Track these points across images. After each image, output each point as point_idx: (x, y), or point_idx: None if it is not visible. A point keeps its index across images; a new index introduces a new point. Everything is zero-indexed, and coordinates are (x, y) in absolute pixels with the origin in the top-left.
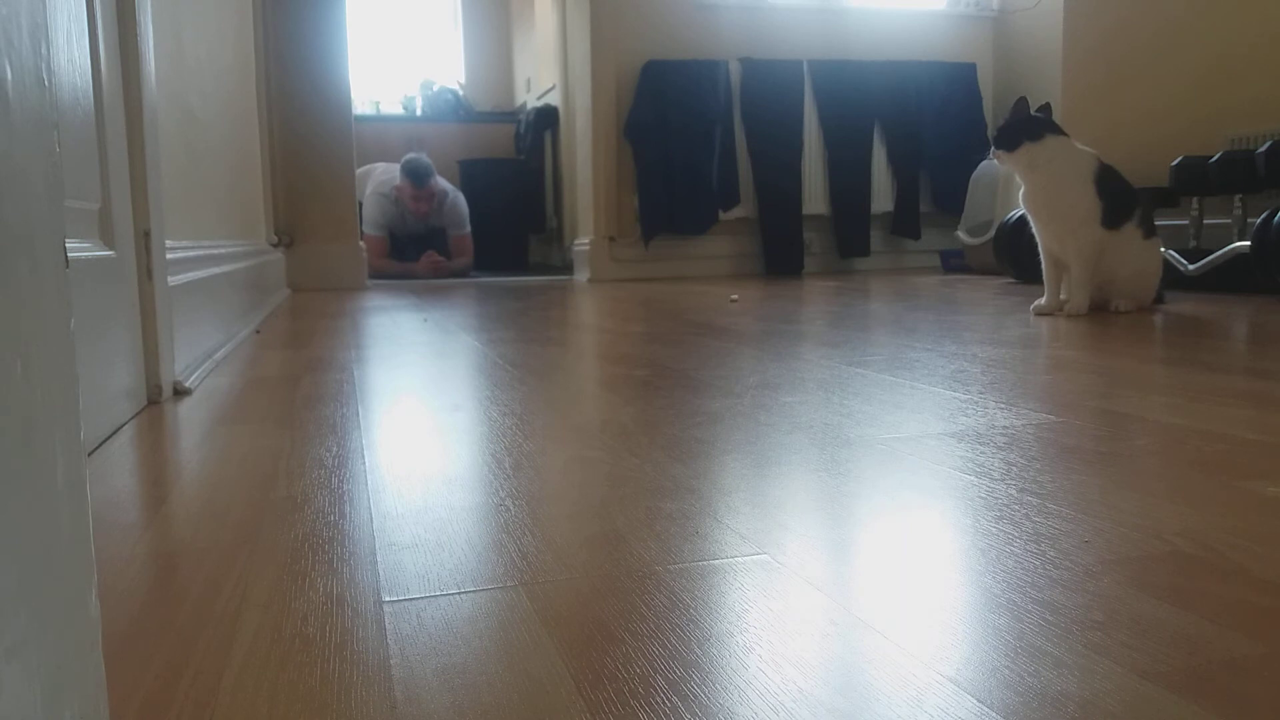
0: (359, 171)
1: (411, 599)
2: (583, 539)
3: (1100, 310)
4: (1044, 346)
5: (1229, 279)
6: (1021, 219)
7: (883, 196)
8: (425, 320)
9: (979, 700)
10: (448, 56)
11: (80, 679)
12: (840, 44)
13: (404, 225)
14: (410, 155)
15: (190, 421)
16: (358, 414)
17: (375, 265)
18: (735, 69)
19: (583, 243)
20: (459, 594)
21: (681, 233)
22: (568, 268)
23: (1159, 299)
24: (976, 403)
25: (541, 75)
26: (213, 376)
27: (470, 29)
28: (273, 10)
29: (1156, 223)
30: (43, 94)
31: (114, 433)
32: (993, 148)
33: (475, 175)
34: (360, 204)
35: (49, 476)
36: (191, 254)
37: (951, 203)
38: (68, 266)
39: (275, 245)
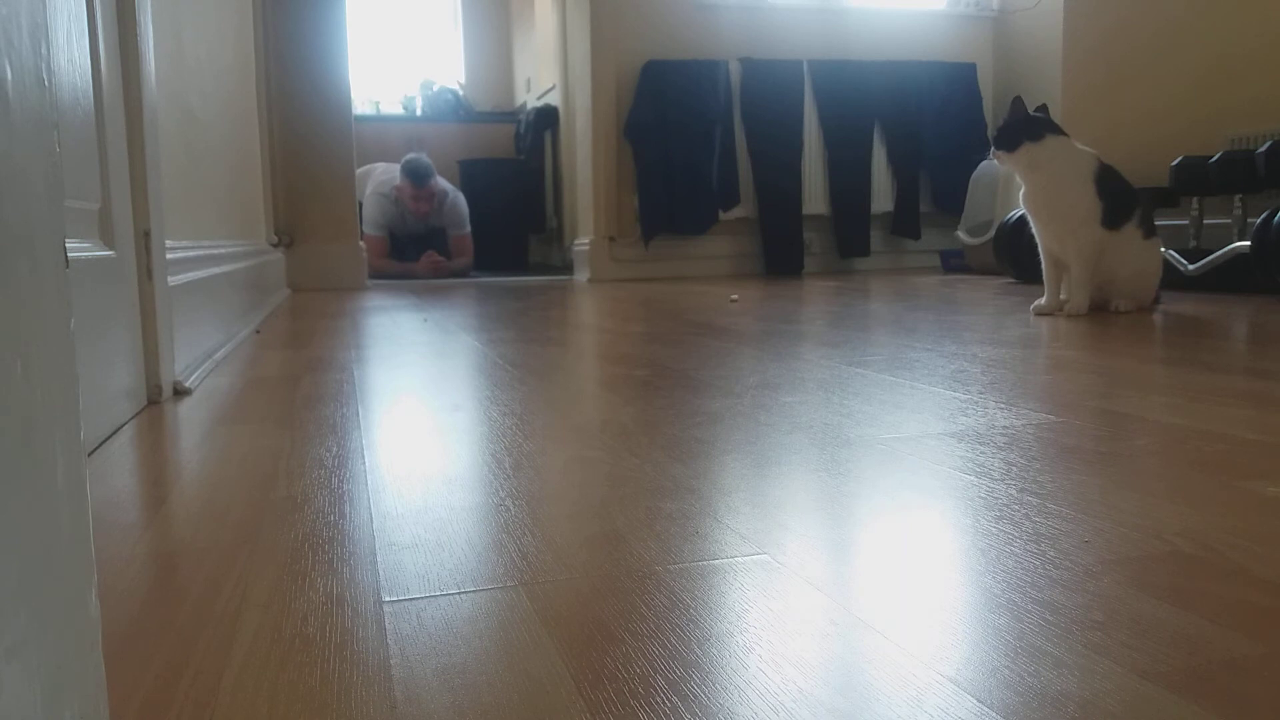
0: (359, 171)
1: (411, 599)
2: (583, 539)
3: (1100, 310)
4: (1044, 346)
5: (1229, 279)
6: (1021, 219)
7: (883, 196)
8: (425, 320)
9: (979, 700)
10: (448, 56)
11: (80, 679)
12: (840, 44)
13: (404, 225)
14: (410, 155)
15: (190, 421)
16: (358, 414)
17: (375, 265)
18: (735, 69)
19: (583, 243)
20: (459, 594)
21: (681, 233)
22: (568, 268)
23: (1156, 299)
24: (976, 403)
25: (541, 75)
26: (213, 376)
27: (470, 29)
28: (273, 10)
29: (1156, 223)
30: (43, 94)
31: (114, 433)
32: (992, 149)
33: (475, 175)
34: (360, 204)
35: (49, 476)
36: (191, 254)
37: (951, 203)
38: (68, 266)
39: (275, 245)
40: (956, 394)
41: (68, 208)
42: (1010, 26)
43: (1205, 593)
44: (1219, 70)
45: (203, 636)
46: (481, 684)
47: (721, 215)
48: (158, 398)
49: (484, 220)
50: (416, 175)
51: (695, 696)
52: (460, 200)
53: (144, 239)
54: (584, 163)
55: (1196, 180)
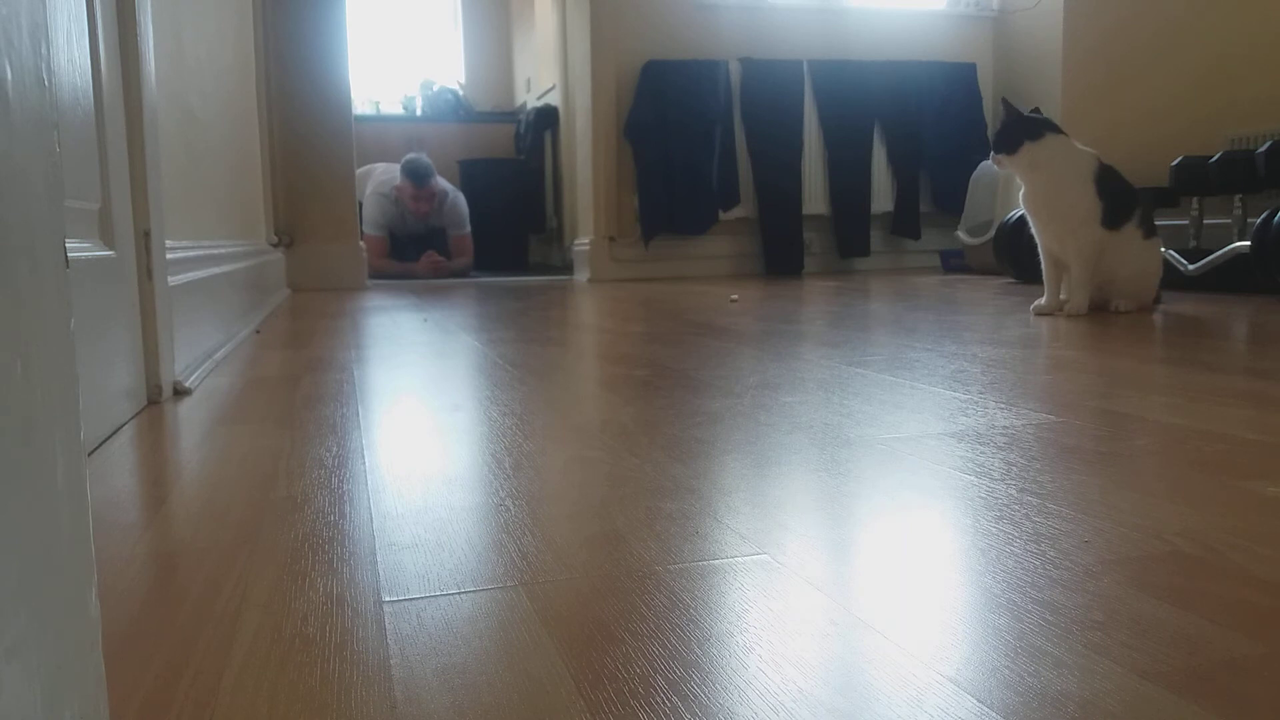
0: (359, 171)
1: (411, 599)
2: (583, 539)
3: (1100, 310)
4: (1044, 346)
5: (1229, 279)
6: (1021, 219)
7: (883, 196)
8: (425, 320)
9: (979, 700)
10: (448, 56)
11: (80, 679)
12: (840, 44)
13: (404, 225)
14: (410, 155)
15: (190, 421)
16: (358, 414)
17: (375, 265)
18: (735, 69)
19: (583, 243)
20: (459, 594)
21: (681, 233)
22: (568, 268)
23: (1157, 299)
24: (976, 403)
25: (541, 75)
26: (213, 376)
27: (470, 29)
28: (273, 10)
29: (1156, 223)
30: (43, 94)
31: (114, 433)
32: (993, 152)
33: (475, 175)
34: (360, 204)
35: (49, 476)
36: (191, 254)
37: (951, 203)
38: (68, 266)
39: (275, 245)
40: (956, 394)
41: (68, 208)
42: (1010, 26)
43: (1205, 593)
44: (1219, 70)
45: (203, 636)
46: (481, 684)
47: (721, 215)
48: (158, 398)
49: (484, 220)
50: (416, 175)
51: (695, 696)
52: (460, 200)
53: (144, 239)
54: (584, 163)
55: (1196, 180)
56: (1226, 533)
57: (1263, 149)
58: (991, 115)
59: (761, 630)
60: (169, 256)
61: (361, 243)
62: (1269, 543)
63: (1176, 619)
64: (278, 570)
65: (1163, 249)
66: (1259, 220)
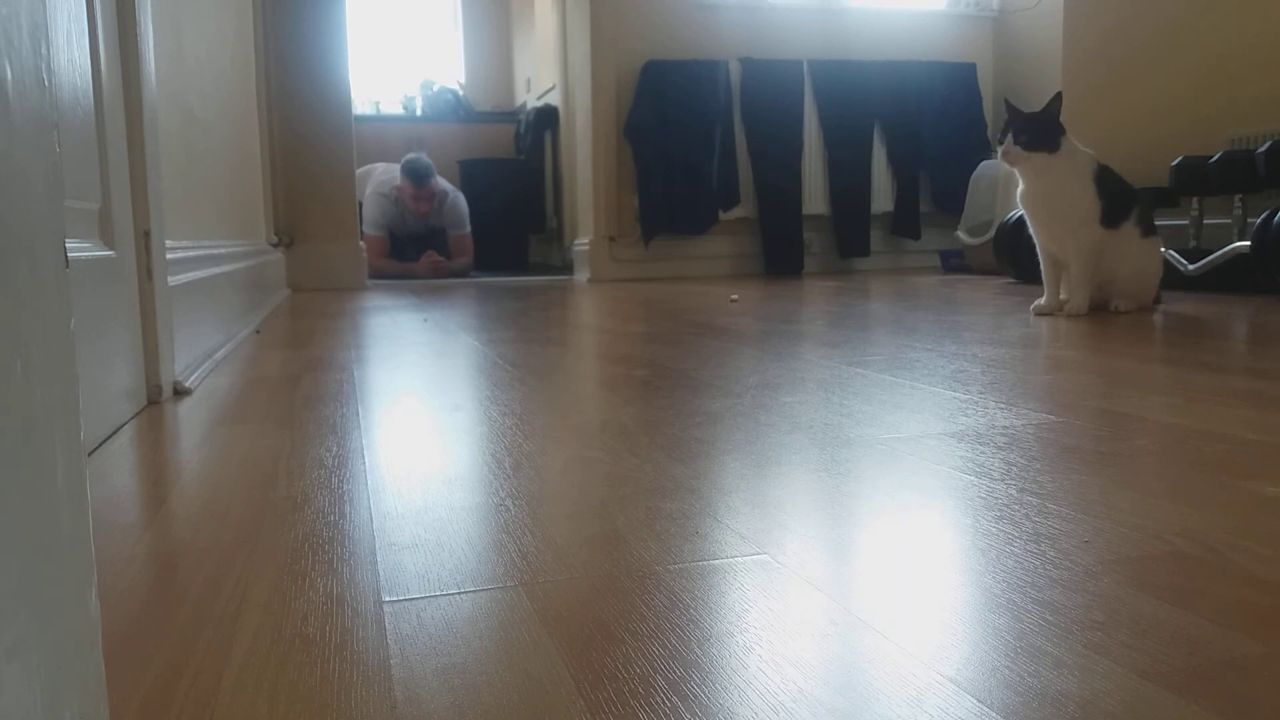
0: (359, 171)
1: (411, 599)
2: (583, 539)
3: (1100, 310)
4: (1044, 346)
5: (1229, 279)
6: (1021, 219)
7: (883, 196)
8: (425, 320)
9: (979, 700)
10: (448, 56)
11: (80, 679)
12: (840, 44)
13: (404, 225)
14: (410, 155)
15: (190, 421)
16: (358, 414)
17: (375, 265)
18: (735, 69)
19: (583, 243)
20: (459, 594)
21: (681, 233)
22: (568, 268)
23: (1157, 299)
24: (976, 403)
25: (541, 75)
26: (213, 376)
27: (470, 29)
28: (273, 10)
29: (1157, 223)
30: (43, 94)
31: (114, 433)
32: (1010, 137)
33: (475, 175)
34: (360, 204)
35: (49, 476)
36: (191, 254)
37: (951, 203)
38: (68, 266)
39: (275, 245)
40: (956, 394)
41: (68, 208)
42: (1010, 26)
43: (1205, 593)
44: (1219, 70)
45: (203, 636)
46: (481, 684)
47: (721, 215)
48: (158, 398)
49: (484, 220)
50: (416, 175)
51: (695, 696)
52: (460, 200)
53: (144, 239)
54: (584, 163)
55: (1196, 180)
56: (1226, 533)
57: (1263, 149)
58: (992, 115)
59: (761, 630)
60: (169, 256)
61: (361, 243)
62: (1269, 543)
63: (1176, 619)
64: (278, 570)
65: (1163, 249)
66: (1259, 220)
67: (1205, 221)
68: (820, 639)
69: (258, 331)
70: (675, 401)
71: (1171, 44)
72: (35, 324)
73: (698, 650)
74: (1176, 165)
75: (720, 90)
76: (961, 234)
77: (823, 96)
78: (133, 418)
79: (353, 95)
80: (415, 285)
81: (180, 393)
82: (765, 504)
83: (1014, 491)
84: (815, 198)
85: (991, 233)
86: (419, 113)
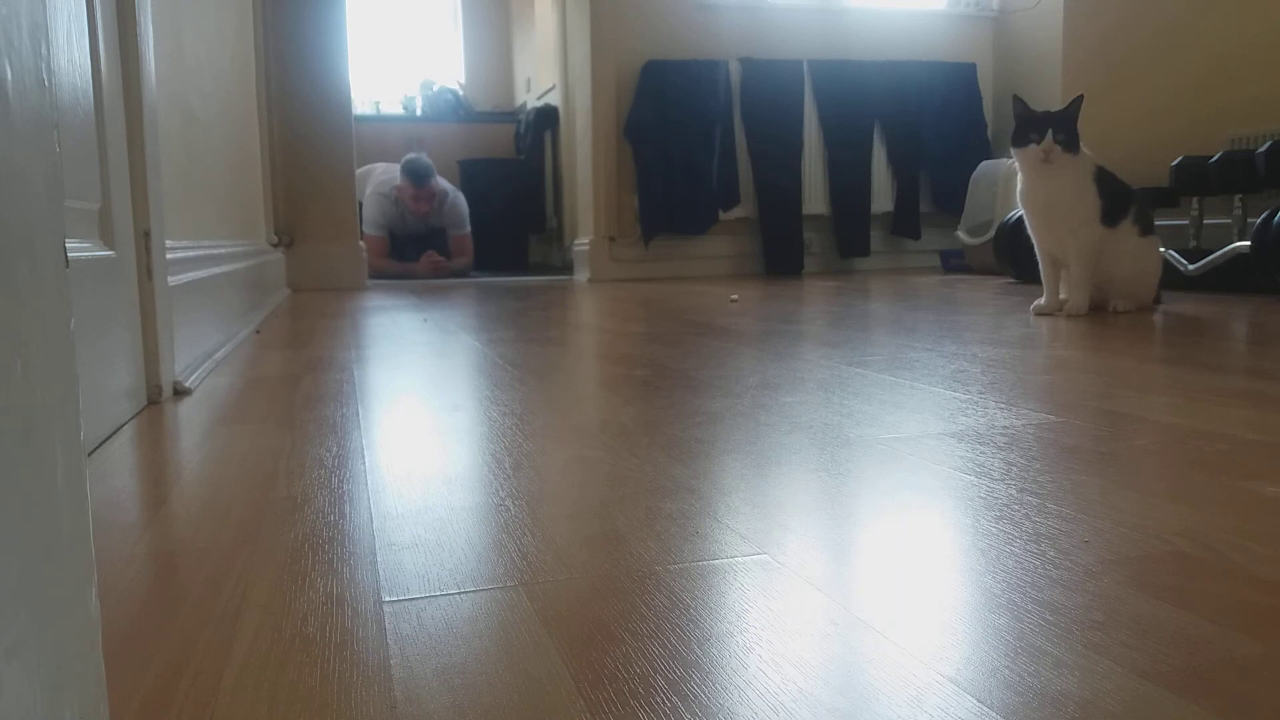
0: (359, 171)
1: (411, 599)
2: (583, 539)
3: (1100, 310)
4: (1044, 346)
5: (1229, 279)
6: (1021, 219)
7: (883, 196)
8: (425, 320)
9: (979, 700)
10: (448, 56)
11: (80, 679)
12: (840, 44)
13: (404, 225)
14: (410, 155)
15: (190, 421)
16: (358, 414)
17: (375, 265)
18: (735, 69)
19: (583, 243)
20: (459, 594)
21: (681, 233)
22: (568, 268)
23: (1157, 299)
24: (976, 403)
25: (541, 75)
26: (213, 376)
27: (470, 29)
28: (273, 10)
29: (1157, 223)
30: (43, 94)
31: (114, 433)
32: (1049, 136)
33: (475, 175)
34: (360, 204)
35: (49, 476)
36: (191, 254)
37: (951, 203)
38: (68, 266)
39: (275, 245)
40: (956, 394)
41: (68, 208)
42: (1010, 26)
43: (1205, 593)
44: (1219, 70)
45: (203, 636)
46: (481, 684)
47: (721, 215)
48: (158, 398)
49: (484, 220)
50: (416, 175)
51: (695, 696)
52: (460, 200)
53: (144, 239)
54: (584, 163)
55: (1196, 180)
56: (1226, 533)
57: (1263, 149)
58: (992, 115)
59: (761, 630)
60: (169, 256)
61: (361, 243)
62: (1269, 543)
63: (1176, 619)
64: (278, 570)
65: (1163, 249)
66: (1259, 220)
67: (1205, 221)
68: (820, 639)
69: (258, 331)
70: (675, 401)
71: (1171, 44)
72: (35, 324)
73: (698, 650)
74: (1176, 165)
75: (720, 90)
76: (961, 234)
77: (823, 96)
78: (133, 418)
79: (353, 95)
80: (415, 285)
81: (180, 393)
82: (765, 504)
83: (1014, 491)
84: (815, 198)
85: (991, 233)
86: (419, 113)
